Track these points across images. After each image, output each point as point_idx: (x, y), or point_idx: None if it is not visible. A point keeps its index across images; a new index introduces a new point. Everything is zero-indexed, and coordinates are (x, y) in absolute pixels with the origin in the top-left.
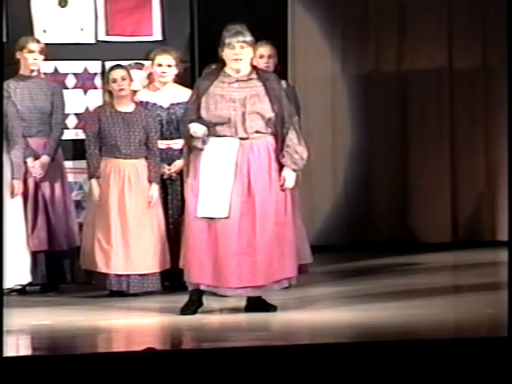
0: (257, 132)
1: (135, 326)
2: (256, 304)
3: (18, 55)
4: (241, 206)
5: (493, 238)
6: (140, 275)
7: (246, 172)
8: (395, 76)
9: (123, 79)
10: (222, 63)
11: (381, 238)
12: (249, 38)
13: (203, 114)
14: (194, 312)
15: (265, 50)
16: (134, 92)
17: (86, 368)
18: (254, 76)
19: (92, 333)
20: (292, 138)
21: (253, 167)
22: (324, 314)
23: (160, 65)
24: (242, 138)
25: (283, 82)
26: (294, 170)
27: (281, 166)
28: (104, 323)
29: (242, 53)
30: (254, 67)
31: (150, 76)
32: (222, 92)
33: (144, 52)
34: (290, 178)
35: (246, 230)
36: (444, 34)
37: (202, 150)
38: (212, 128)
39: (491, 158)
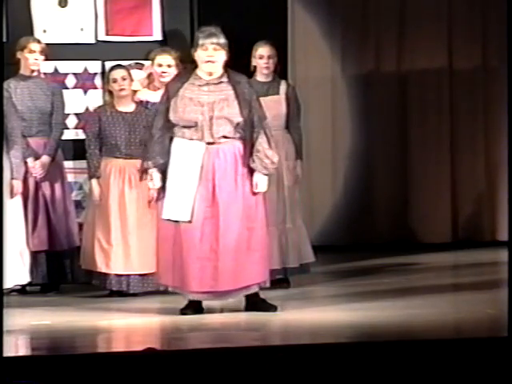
0: (224, 137)
1: (135, 326)
2: (255, 304)
3: (19, 55)
4: (204, 210)
5: (493, 238)
6: (140, 275)
7: (211, 177)
8: (395, 76)
9: (124, 79)
10: (194, 65)
11: (381, 238)
12: (222, 40)
13: (171, 116)
14: (194, 313)
15: (265, 50)
16: (135, 92)
17: (86, 368)
18: (224, 79)
19: (92, 333)
20: (262, 142)
21: (218, 173)
22: (324, 314)
23: (160, 65)
24: (208, 143)
25: (283, 82)
26: (265, 175)
27: (250, 171)
28: (104, 323)
29: (214, 55)
30: (225, 70)
31: (149, 76)
32: (191, 95)
33: (144, 52)
34: (261, 182)
35: (209, 235)
36: (444, 34)
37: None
38: (180, 130)
39: (491, 158)
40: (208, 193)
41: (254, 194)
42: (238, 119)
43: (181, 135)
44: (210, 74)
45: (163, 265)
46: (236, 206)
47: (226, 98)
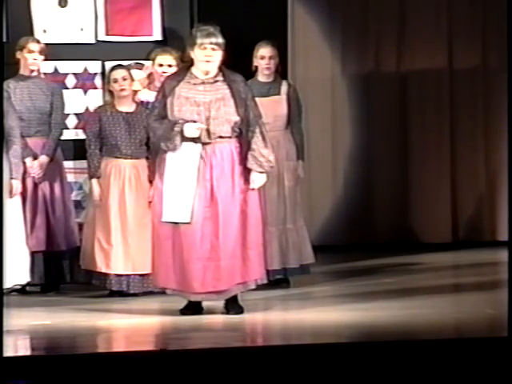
0: (220, 137)
1: (135, 325)
2: (226, 303)
3: (18, 55)
4: (204, 210)
5: (493, 238)
6: (140, 275)
7: (209, 177)
8: (395, 76)
9: (124, 79)
10: (190, 63)
11: (381, 238)
12: (221, 40)
13: (168, 116)
14: (194, 313)
15: (266, 51)
16: (135, 92)
17: (85, 368)
18: (220, 78)
19: (92, 333)
20: (257, 141)
21: (215, 172)
22: (324, 314)
23: (161, 65)
24: (204, 143)
25: (284, 83)
26: (261, 173)
27: (246, 169)
28: (104, 323)
29: (212, 55)
30: (220, 69)
31: (150, 76)
32: (187, 94)
33: (144, 52)
34: (258, 180)
35: (209, 234)
36: (444, 34)
37: (166, 152)
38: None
39: (491, 157)
40: (206, 192)
41: (251, 192)
42: (235, 118)
43: None
44: (207, 73)
45: (162, 267)
46: (234, 205)
47: (222, 97)
